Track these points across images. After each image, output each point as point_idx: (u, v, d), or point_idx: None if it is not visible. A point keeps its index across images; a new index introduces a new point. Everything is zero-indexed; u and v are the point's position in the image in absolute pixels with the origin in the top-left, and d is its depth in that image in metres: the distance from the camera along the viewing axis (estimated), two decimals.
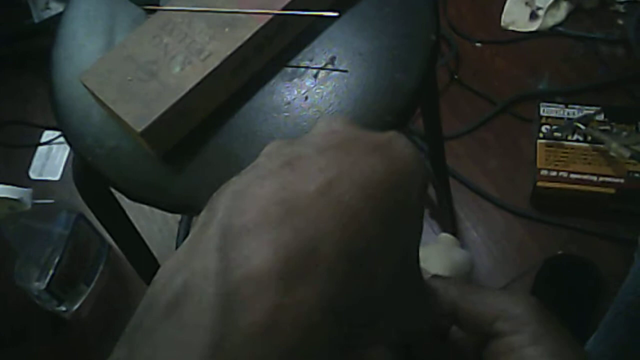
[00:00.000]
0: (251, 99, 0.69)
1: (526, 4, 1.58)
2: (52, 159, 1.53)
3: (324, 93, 0.68)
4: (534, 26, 1.55)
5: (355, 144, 0.29)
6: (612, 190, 1.27)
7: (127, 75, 0.64)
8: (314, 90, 0.68)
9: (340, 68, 0.70)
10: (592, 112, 1.34)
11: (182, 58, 0.65)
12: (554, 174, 1.30)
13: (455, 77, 1.52)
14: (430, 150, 1.15)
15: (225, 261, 0.24)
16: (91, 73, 0.66)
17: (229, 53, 0.65)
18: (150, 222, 1.36)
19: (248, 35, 0.66)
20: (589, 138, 1.31)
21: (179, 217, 1.37)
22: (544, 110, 1.37)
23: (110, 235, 0.97)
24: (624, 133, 1.30)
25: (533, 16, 1.56)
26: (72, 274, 1.26)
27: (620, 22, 1.54)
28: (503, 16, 1.58)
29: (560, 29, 1.55)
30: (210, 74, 0.64)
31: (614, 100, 1.42)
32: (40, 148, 1.55)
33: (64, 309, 1.28)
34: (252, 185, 0.27)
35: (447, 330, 0.35)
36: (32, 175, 1.51)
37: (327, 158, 0.28)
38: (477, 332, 0.33)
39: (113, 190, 0.73)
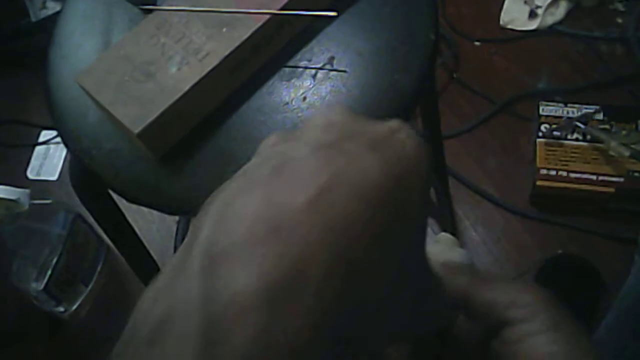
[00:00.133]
0: (249, 100, 0.68)
1: (525, 2, 1.57)
2: (49, 158, 1.53)
3: (323, 93, 0.68)
4: (533, 25, 1.55)
5: (351, 141, 0.27)
6: (611, 190, 1.26)
7: (123, 76, 0.64)
8: (312, 91, 0.68)
9: (339, 68, 0.69)
10: (591, 111, 1.34)
11: (180, 58, 0.64)
12: (553, 173, 1.29)
13: (454, 76, 1.52)
14: (429, 150, 1.14)
15: (209, 287, 0.23)
16: (87, 74, 0.65)
17: (226, 53, 0.64)
18: (149, 222, 1.35)
19: (246, 35, 0.65)
20: (589, 137, 1.31)
21: (177, 217, 1.36)
22: (543, 109, 1.36)
23: (108, 236, 0.97)
24: (624, 132, 1.30)
25: (532, 15, 1.55)
26: (70, 274, 1.26)
27: (620, 20, 1.54)
28: (502, 15, 1.58)
29: (559, 27, 1.54)
30: (208, 74, 0.63)
31: (614, 99, 1.41)
32: (38, 148, 1.55)
33: (62, 309, 1.28)
34: (238, 199, 0.25)
35: (454, 321, 0.34)
36: (30, 175, 1.51)
37: (320, 160, 0.26)
38: (488, 320, 0.33)
39: (110, 191, 0.72)
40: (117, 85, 0.63)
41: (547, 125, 1.34)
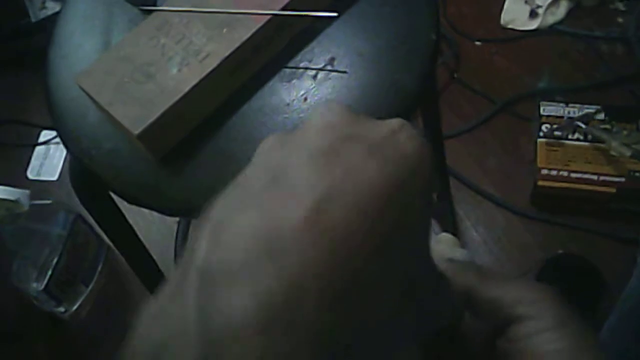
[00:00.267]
0: (250, 101, 0.68)
1: (526, 2, 1.57)
2: (50, 158, 1.52)
3: (324, 94, 0.68)
4: (533, 24, 1.54)
5: (350, 145, 0.26)
6: (612, 190, 1.26)
7: (123, 77, 0.64)
8: (313, 92, 0.68)
9: (340, 69, 0.69)
10: (592, 110, 1.34)
11: (180, 59, 0.64)
12: (554, 173, 1.29)
13: (455, 75, 1.52)
14: (431, 149, 1.14)
15: (205, 312, 0.22)
16: (87, 74, 0.65)
17: (227, 54, 0.64)
18: (149, 222, 1.35)
19: (246, 36, 0.65)
20: (590, 137, 1.31)
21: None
22: (544, 109, 1.36)
23: (108, 236, 0.97)
24: (625, 132, 1.30)
25: (533, 14, 1.55)
26: (70, 274, 1.26)
27: (620, 20, 1.53)
28: (503, 14, 1.58)
29: (560, 27, 1.54)
30: (208, 75, 0.63)
31: (614, 98, 1.41)
32: (38, 148, 1.54)
33: (62, 309, 1.27)
34: (234, 216, 0.24)
35: (461, 319, 0.34)
36: (30, 175, 1.51)
37: (317, 169, 0.25)
38: (493, 318, 0.32)
39: (110, 192, 0.72)
40: (117, 86, 0.63)
41: (548, 125, 1.34)
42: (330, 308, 0.23)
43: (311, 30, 0.71)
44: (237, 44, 0.65)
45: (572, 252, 1.27)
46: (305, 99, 0.67)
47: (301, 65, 0.70)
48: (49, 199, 1.28)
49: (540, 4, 1.55)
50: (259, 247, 0.23)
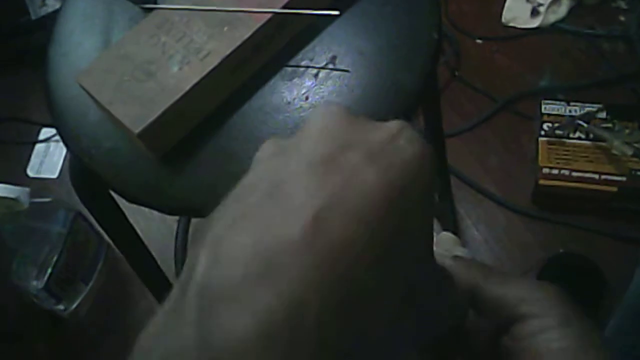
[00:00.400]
0: (251, 99, 0.68)
1: (527, 0, 1.56)
2: (50, 156, 1.52)
3: (325, 93, 0.67)
4: (535, 23, 1.54)
5: (348, 152, 0.26)
6: (614, 189, 1.26)
7: (124, 75, 0.63)
8: (314, 90, 0.67)
9: (341, 67, 0.69)
10: (594, 109, 1.33)
11: (180, 57, 0.64)
12: (555, 172, 1.29)
13: (456, 74, 1.51)
14: (432, 151, 1.14)
15: (204, 332, 0.22)
16: (87, 73, 0.64)
17: (228, 52, 0.64)
18: (149, 221, 1.35)
19: (247, 35, 0.64)
20: (591, 136, 1.30)
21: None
22: (545, 108, 1.36)
23: (108, 235, 0.96)
24: (627, 131, 1.29)
25: (534, 12, 1.55)
26: (70, 272, 1.25)
27: (622, 18, 1.53)
28: (504, 12, 1.57)
29: (561, 25, 1.54)
30: (209, 73, 0.63)
31: (616, 97, 1.41)
32: (38, 145, 1.54)
33: (62, 307, 1.27)
34: (232, 233, 0.24)
35: (463, 319, 0.34)
36: (30, 173, 1.50)
37: (315, 179, 0.25)
38: (498, 316, 0.32)
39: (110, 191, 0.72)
40: (117, 84, 0.63)
41: (549, 124, 1.33)
42: (331, 322, 0.23)
43: (312, 29, 0.71)
44: (238, 43, 0.64)
45: (573, 251, 1.27)
46: (307, 98, 0.67)
47: (302, 63, 0.69)
48: (49, 197, 1.28)
49: (541, 2, 1.55)
50: (258, 263, 0.23)
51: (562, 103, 1.36)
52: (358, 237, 0.24)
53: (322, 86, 0.68)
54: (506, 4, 1.58)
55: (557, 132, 1.32)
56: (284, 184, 0.25)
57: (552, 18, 1.54)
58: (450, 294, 0.33)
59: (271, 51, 0.69)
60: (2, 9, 1.55)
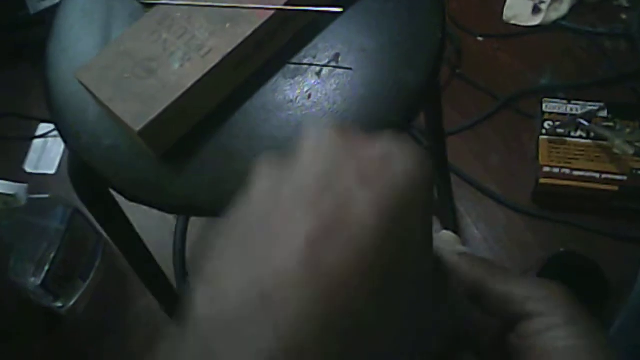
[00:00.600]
0: (253, 97, 0.67)
1: None
2: (48, 152, 1.51)
3: (328, 91, 0.66)
4: (536, 20, 1.53)
5: (342, 177, 0.25)
6: (615, 188, 1.25)
7: (124, 72, 0.62)
8: (317, 88, 0.67)
9: (344, 65, 0.68)
10: (595, 108, 1.33)
11: (182, 54, 0.63)
12: (556, 170, 1.28)
13: (457, 71, 1.50)
14: (432, 146, 1.13)
15: None
16: (87, 69, 0.64)
17: (229, 49, 0.63)
18: (147, 218, 1.32)
19: (249, 31, 0.64)
20: (592, 134, 1.30)
21: None
22: (546, 106, 1.35)
23: (106, 232, 0.96)
24: (628, 129, 1.29)
25: (536, 10, 1.54)
26: (68, 269, 1.25)
27: (624, 16, 1.52)
28: (505, 10, 1.56)
29: (563, 23, 1.53)
30: (210, 70, 0.62)
31: (618, 96, 1.40)
32: (35, 141, 1.53)
33: (59, 304, 1.26)
34: (228, 266, 0.24)
35: (469, 314, 0.34)
36: (28, 168, 1.49)
37: (310, 208, 0.24)
38: (504, 313, 0.32)
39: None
40: (117, 81, 0.62)
41: (550, 122, 1.33)
42: (330, 355, 0.22)
43: (315, 26, 0.70)
44: (240, 39, 0.63)
45: (573, 250, 1.26)
46: (309, 96, 0.66)
47: (305, 61, 0.68)
48: (46, 193, 1.27)
49: None
50: (253, 300, 0.23)
51: (564, 101, 1.35)
52: (356, 269, 0.23)
53: (325, 84, 0.67)
54: (507, 2, 1.57)
55: (558, 130, 1.31)
56: (278, 215, 0.25)
57: (554, 16, 1.53)
58: (450, 294, 0.33)
59: (273, 48, 0.68)
60: (0, 4, 1.54)
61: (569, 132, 1.31)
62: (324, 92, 0.66)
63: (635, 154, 1.23)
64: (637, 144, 1.24)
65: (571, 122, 1.31)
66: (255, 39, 0.64)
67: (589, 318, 0.31)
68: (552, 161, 1.29)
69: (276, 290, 0.23)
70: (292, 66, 0.68)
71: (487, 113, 1.44)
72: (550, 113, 1.34)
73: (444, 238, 0.42)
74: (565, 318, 0.31)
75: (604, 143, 1.28)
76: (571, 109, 1.34)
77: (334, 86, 0.67)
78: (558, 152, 1.29)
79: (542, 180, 1.28)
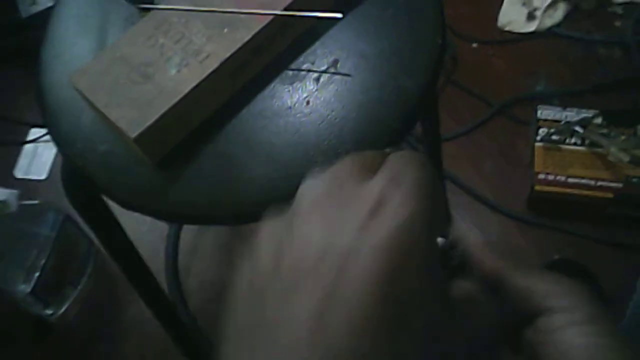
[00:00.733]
0: (250, 103, 0.66)
1: (523, 4, 1.56)
2: (38, 157, 1.49)
3: (326, 97, 0.66)
4: (531, 27, 1.53)
5: (342, 232, 0.25)
6: (610, 195, 1.25)
7: (120, 78, 0.61)
8: (315, 95, 0.66)
9: (343, 71, 0.67)
10: (590, 115, 1.33)
11: (179, 60, 0.62)
12: (551, 177, 1.28)
13: (452, 77, 1.50)
14: (427, 153, 1.13)
15: None
16: (82, 74, 0.62)
17: (227, 55, 0.62)
18: (139, 224, 1.32)
19: (248, 37, 0.63)
20: (587, 141, 1.30)
21: None
22: (541, 113, 1.35)
23: (98, 238, 0.94)
24: (623, 137, 1.29)
25: (530, 17, 1.54)
26: (58, 276, 1.23)
27: (618, 23, 1.52)
28: (500, 17, 1.56)
29: (557, 30, 1.53)
30: (208, 76, 0.61)
31: (612, 103, 1.40)
32: (26, 146, 1.51)
33: (49, 312, 1.25)
34: (239, 352, 0.24)
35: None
36: (18, 174, 1.48)
37: (310, 276, 0.24)
38: (523, 306, 0.32)
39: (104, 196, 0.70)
40: (113, 87, 0.61)
41: (545, 129, 1.33)
42: None
43: (314, 32, 0.69)
44: (238, 45, 0.62)
45: (568, 257, 1.26)
46: (308, 102, 0.65)
47: (303, 67, 0.68)
48: (37, 199, 1.26)
49: (537, 6, 1.54)
50: None
51: (558, 108, 1.35)
52: (363, 332, 0.23)
53: (323, 90, 0.66)
54: (502, 8, 1.57)
55: (553, 137, 1.31)
56: (279, 295, 0.25)
57: (548, 22, 1.53)
58: (470, 313, 0.32)
59: (272, 54, 0.67)
60: None
61: (564, 139, 1.31)
62: (322, 99, 0.65)
63: (630, 161, 1.23)
64: (632, 151, 1.23)
65: (566, 129, 1.31)
66: (254, 44, 0.64)
67: (609, 319, 0.31)
68: (547, 168, 1.29)
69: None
70: (291, 72, 0.67)
71: (481, 119, 1.44)
72: (545, 120, 1.34)
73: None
74: (586, 316, 0.31)
75: (599, 150, 1.28)
76: (566, 116, 1.34)
77: (333, 92, 0.66)
78: (553, 159, 1.29)
79: (537, 187, 1.28)
